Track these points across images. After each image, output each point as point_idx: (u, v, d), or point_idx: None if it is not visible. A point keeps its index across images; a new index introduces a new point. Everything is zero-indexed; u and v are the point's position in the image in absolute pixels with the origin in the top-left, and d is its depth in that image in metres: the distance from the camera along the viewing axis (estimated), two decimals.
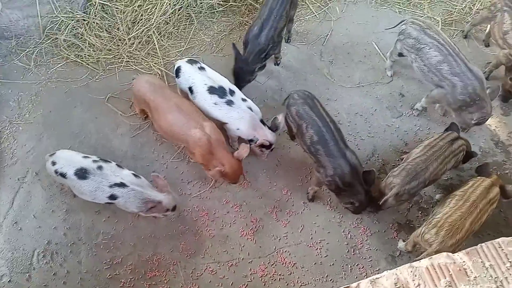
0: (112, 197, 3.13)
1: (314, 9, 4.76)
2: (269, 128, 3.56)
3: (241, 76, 3.82)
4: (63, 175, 3.16)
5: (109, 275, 3.24)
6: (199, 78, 3.51)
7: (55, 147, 3.55)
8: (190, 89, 3.54)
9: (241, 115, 3.46)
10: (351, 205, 3.33)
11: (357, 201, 3.27)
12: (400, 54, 4.00)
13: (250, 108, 3.51)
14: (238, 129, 3.49)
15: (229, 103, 3.45)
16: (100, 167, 3.15)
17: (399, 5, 4.79)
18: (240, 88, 3.71)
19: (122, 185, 3.12)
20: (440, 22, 4.61)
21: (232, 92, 3.51)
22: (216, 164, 3.30)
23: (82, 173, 3.11)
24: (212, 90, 3.46)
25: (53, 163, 3.20)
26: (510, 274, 1.84)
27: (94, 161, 3.19)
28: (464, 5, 4.74)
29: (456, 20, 4.67)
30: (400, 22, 3.90)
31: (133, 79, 3.92)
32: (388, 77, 4.29)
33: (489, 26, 4.31)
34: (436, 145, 3.29)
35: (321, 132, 3.21)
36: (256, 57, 3.76)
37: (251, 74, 3.86)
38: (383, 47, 4.45)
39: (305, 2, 4.78)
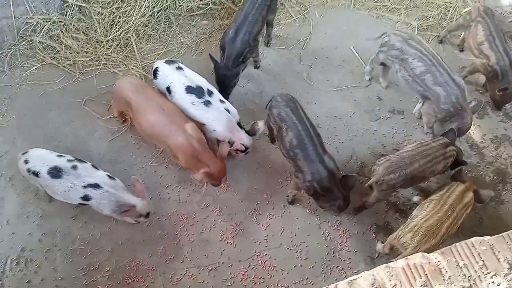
0: (85, 198, 3.08)
1: (294, 13, 4.80)
2: (246, 132, 3.56)
3: (226, 83, 3.81)
4: (35, 174, 3.08)
5: (86, 282, 3.17)
6: (176, 77, 3.49)
7: None
8: (168, 89, 3.51)
9: (218, 116, 3.44)
10: (329, 209, 3.38)
11: (335, 206, 3.31)
12: (382, 64, 4.05)
13: (228, 110, 3.50)
14: (214, 130, 3.48)
15: (207, 103, 3.44)
16: (74, 167, 3.09)
17: (377, 10, 4.87)
18: (227, 96, 3.72)
19: (96, 186, 3.06)
20: (416, 27, 4.71)
21: (210, 93, 3.50)
22: (201, 166, 3.28)
23: (55, 172, 3.04)
24: (189, 89, 3.44)
25: (26, 162, 3.12)
26: (483, 273, 1.89)
27: (69, 160, 3.13)
28: (439, 11, 4.85)
29: (431, 26, 4.77)
30: (382, 35, 3.94)
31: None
32: (366, 81, 4.35)
33: (463, 33, 4.41)
34: (429, 144, 3.35)
35: (301, 136, 3.23)
36: (235, 60, 3.76)
37: (235, 77, 3.85)
38: (361, 51, 4.51)
39: (285, 6, 4.81)
